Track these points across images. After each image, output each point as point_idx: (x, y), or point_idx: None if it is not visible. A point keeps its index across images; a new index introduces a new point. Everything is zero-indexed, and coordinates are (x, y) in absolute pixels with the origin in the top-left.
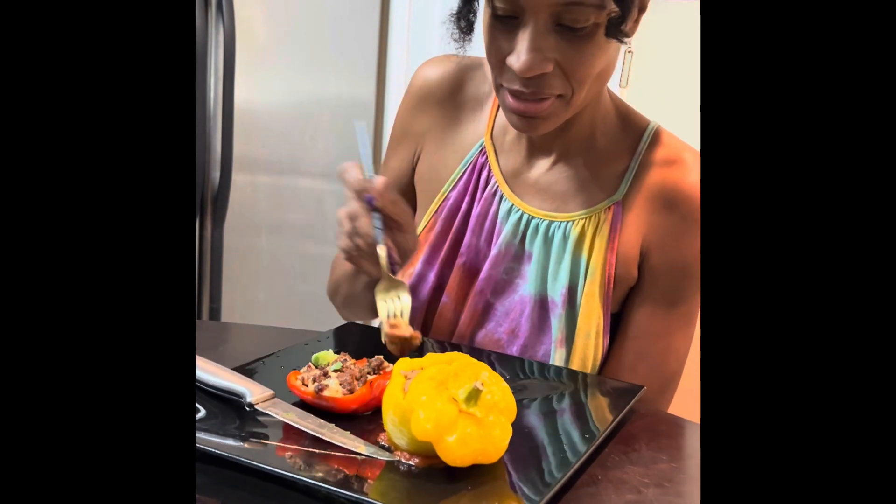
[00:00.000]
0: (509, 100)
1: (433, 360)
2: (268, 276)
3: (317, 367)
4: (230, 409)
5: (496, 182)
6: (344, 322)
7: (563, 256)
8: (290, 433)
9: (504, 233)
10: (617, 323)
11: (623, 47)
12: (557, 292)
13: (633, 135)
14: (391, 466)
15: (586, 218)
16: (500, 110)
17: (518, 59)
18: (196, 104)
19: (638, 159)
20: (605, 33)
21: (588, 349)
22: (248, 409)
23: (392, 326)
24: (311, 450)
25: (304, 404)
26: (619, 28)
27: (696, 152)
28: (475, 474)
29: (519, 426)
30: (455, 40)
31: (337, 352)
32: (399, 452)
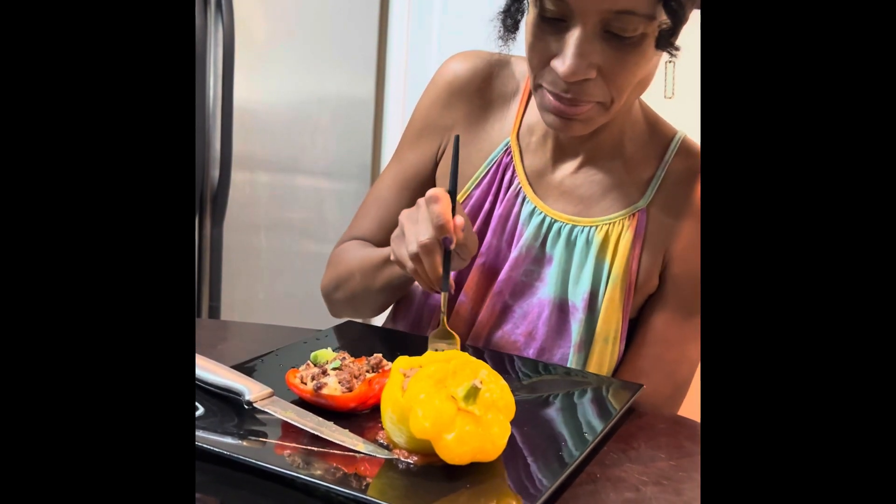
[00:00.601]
0: (549, 98)
1: (432, 359)
2: (267, 275)
3: (315, 366)
4: (229, 407)
5: (519, 183)
6: (343, 320)
7: (585, 261)
8: (289, 431)
9: (525, 235)
10: (632, 329)
11: (664, 57)
12: (579, 297)
13: (661, 143)
14: (390, 464)
15: (610, 223)
16: (528, 110)
17: (563, 63)
18: (195, 103)
19: (665, 167)
20: (655, 45)
21: (605, 354)
22: (246, 407)
23: None
24: (309, 448)
25: (302, 402)
26: (669, 40)
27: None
28: (474, 472)
29: (518, 424)
30: (500, 38)
31: (336, 350)
32: (398, 450)
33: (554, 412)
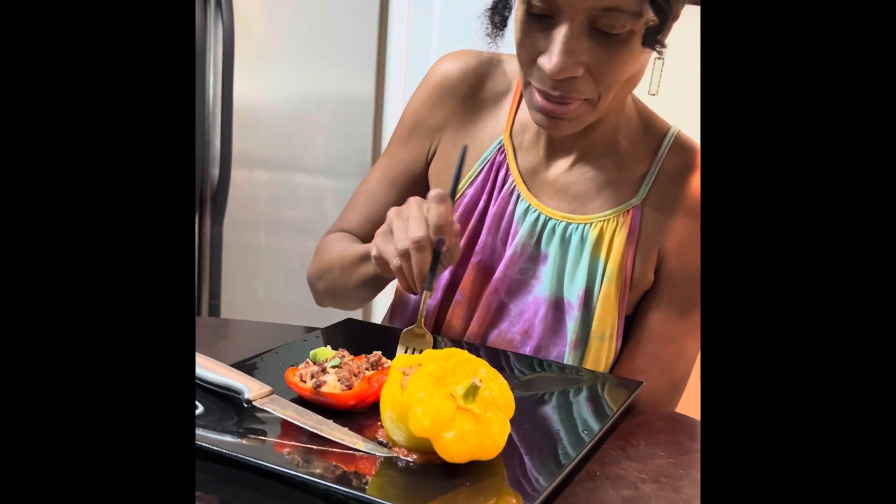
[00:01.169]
0: (536, 98)
1: (431, 357)
2: (267, 273)
3: (315, 364)
4: (228, 405)
5: (513, 181)
6: (342, 318)
7: (580, 258)
8: (289, 429)
9: (520, 233)
10: (628, 326)
11: (653, 54)
12: (574, 294)
13: (655, 139)
14: (389, 462)
15: (605, 220)
16: (520, 108)
17: (550, 60)
18: (195, 101)
19: (658, 164)
20: (642, 42)
21: (601, 352)
22: (246, 405)
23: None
24: (309, 446)
25: (302, 400)
26: (655, 37)
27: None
28: (473, 470)
29: (517, 422)
30: (488, 35)
31: (335, 348)
32: (397, 448)
33: (553, 410)
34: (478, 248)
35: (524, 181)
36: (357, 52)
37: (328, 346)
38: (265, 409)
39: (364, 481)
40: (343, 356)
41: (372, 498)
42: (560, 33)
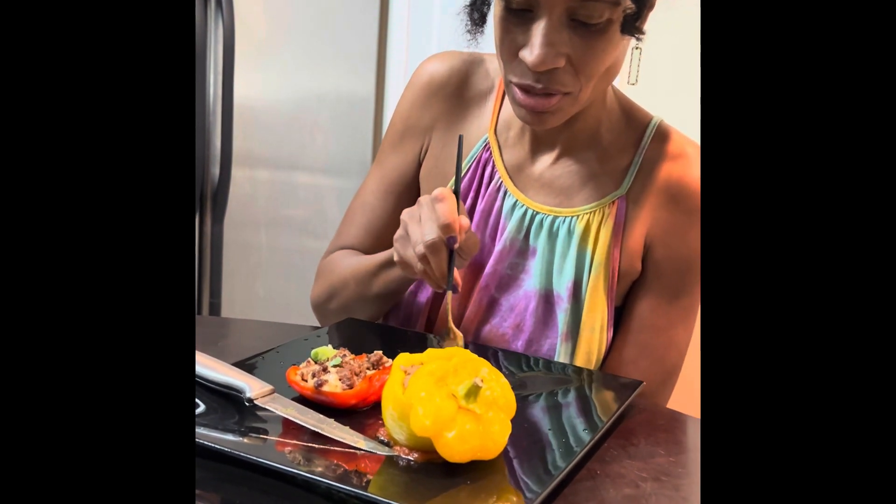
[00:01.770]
0: (518, 94)
1: (433, 356)
2: (267, 272)
3: (316, 363)
4: (230, 404)
5: (500, 177)
6: (343, 317)
7: (567, 251)
8: (290, 428)
9: (508, 228)
10: (619, 316)
11: (630, 44)
12: (563, 287)
13: (637, 130)
14: (390, 461)
15: (591, 212)
16: (504, 106)
17: (531, 52)
18: (195, 100)
19: (642, 154)
20: (620, 30)
21: (593, 343)
22: (247, 404)
23: None
24: (310, 445)
25: (303, 399)
26: (634, 24)
27: (700, 147)
28: (474, 469)
29: (518, 422)
30: (468, 31)
31: (336, 347)
32: (398, 447)
33: (553, 409)
34: None
35: (510, 177)
36: (357, 51)
37: (329, 346)
38: (266, 407)
39: (365, 480)
40: (344, 355)
41: (373, 496)
42: (540, 26)
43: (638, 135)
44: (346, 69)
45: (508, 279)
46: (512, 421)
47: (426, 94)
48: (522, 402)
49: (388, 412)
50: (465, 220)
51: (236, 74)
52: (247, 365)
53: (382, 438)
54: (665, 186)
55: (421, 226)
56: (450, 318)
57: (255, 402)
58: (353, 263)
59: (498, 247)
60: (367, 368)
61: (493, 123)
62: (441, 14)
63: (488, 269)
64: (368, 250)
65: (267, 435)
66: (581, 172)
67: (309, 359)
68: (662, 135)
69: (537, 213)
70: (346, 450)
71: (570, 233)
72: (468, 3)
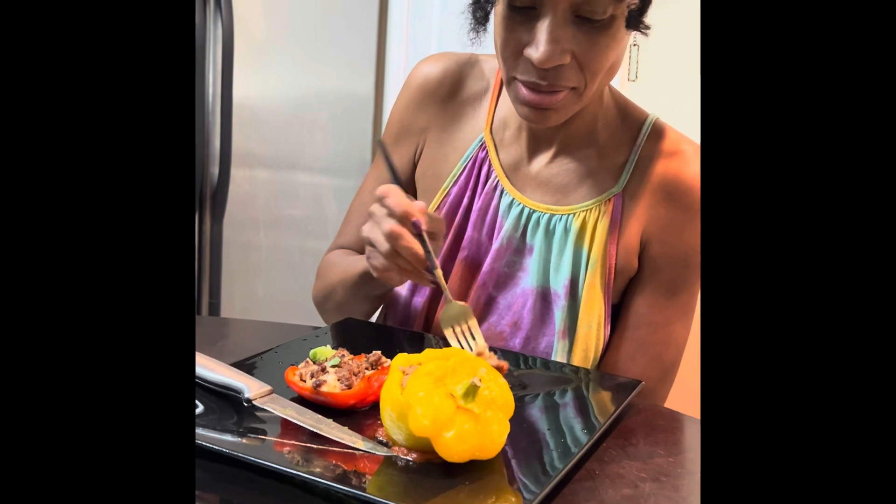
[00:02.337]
0: (523, 91)
1: (431, 356)
2: (267, 272)
3: (315, 363)
4: (228, 404)
5: (496, 176)
6: (342, 317)
7: (564, 249)
8: (288, 429)
9: (505, 227)
10: (616, 314)
11: (629, 41)
12: (560, 284)
13: (633, 127)
14: (389, 462)
15: (587, 210)
16: (499, 105)
17: (537, 49)
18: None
19: (637, 151)
20: (626, 25)
21: (590, 340)
22: (246, 404)
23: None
24: (309, 445)
25: (302, 400)
26: (639, 19)
27: (695, 144)
28: (473, 469)
29: (516, 421)
30: (471, 30)
31: (335, 347)
32: (397, 448)
33: (552, 409)
34: (464, 243)
35: (507, 176)
36: (357, 50)
37: (328, 346)
38: (265, 408)
39: (364, 480)
40: (343, 355)
41: (372, 497)
42: (545, 23)
43: (633, 132)
44: (345, 68)
45: (506, 277)
46: (511, 421)
47: (420, 97)
48: (521, 402)
49: (387, 412)
50: (419, 203)
51: (235, 74)
52: (245, 365)
53: (381, 439)
54: (661, 183)
55: (379, 227)
56: (447, 294)
57: (254, 402)
58: (342, 268)
59: (495, 245)
60: (366, 369)
61: (489, 123)
62: (441, 13)
63: (485, 267)
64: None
65: (265, 435)
66: (577, 170)
67: (307, 359)
68: (658, 132)
69: (534, 211)
70: (345, 450)
71: (566, 230)
72: (472, 2)
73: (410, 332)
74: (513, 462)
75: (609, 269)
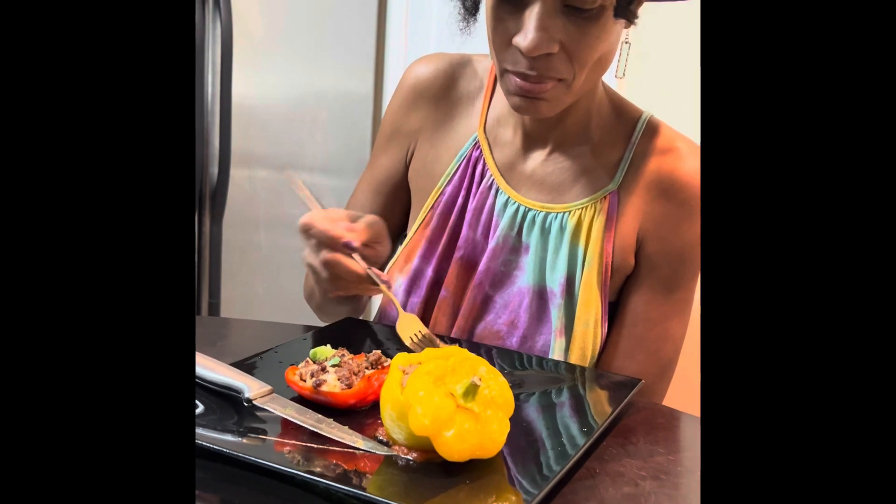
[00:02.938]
0: (513, 81)
1: (431, 355)
2: (266, 272)
3: (315, 363)
4: (228, 404)
5: (491, 175)
6: (342, 318)
7: (560, 247)
8: (289, 428)
9: (501, 225)
10: (614, 312)
11: (621, 38)
12: (556, 282)
13: (627, 125)
14: (389, 461)
15: (583, 208)
16: (493, 104)
17: (525, 37)
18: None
19: (632, 149)
20: (614, 13)
21: (587, 338)
22: (246, 404)
23: None
24: (309, 445)
25: (302, 399)
26: (628, 8)
27: (690, 141)
28: (473, 468)
29: (517, 420)
30: (461, 19)
31: (335, 347)
32: (397, 447)
33: (552, 408)
34: (460, 243)
35: (502, 174)
36: (356, 50)
37: (328, 345)
38: (265, 408)
39: (364, 480)
40: (343, 355)
41: (372, 496)
42: (533, 12)
43: (628, 130)
44: (344, 68)
45: (502, 276)
46: (510, 420)
47: (412, 97)
48: (521, 401)
49: (387, 412)
50: (344, 216)
51: (234, 74)
52: (245, 365)
53: (381, 438)
54: (656, 180)
55: (315, 257)
56: (399, 308)
57: (254, 402)
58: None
59: (491, 244)
60: (366, 368)
61: (483, 122)
62: (439, 12)
63: (482, 266)
64: None
65: (266, 435)
66: (572, 168)
67: (308, 359)
68: (652, 129)
69: (529, 209)
70: (345, 450)
71: (562, 228)
72: None
73: None
74: (513, 461)
75: (605, 267)
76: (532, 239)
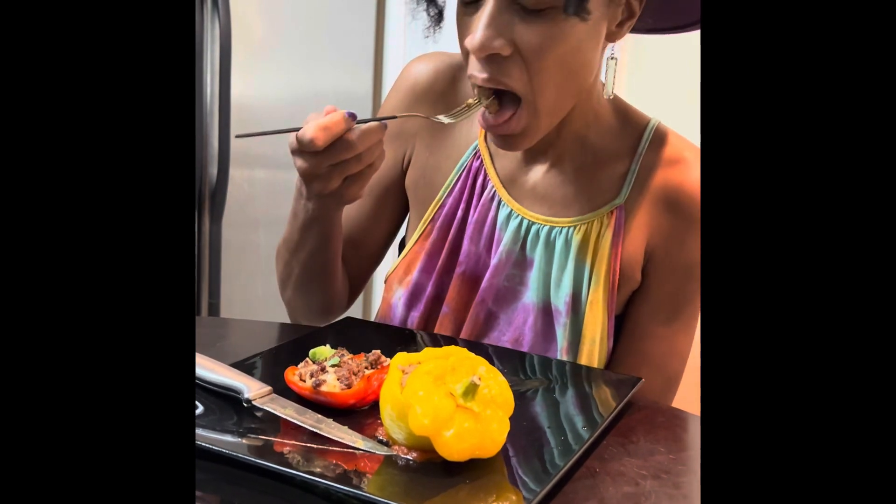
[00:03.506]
0: (481, 118)
1: (430, 355)
2: (266, 272)
3: (314, 363)
4: (228, 405)
5: (493, 187)
6: (342, 317)
7: (565, 263)
8: (288, 429)
9: (504, 239)
10: (619, 324)
11: (606, 54)
12: (561, 301)
13: (633, 134)
14: (389, 461)
15: (588, 223)
16: None
17: (473, 37)
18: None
19: (639, 161)
20: (563, 9)
21: (593, 354)
22: (246, 405)
23: None
24: (308, 445)
25: (301, 400)
26: (579, 3)
27: (699, 150)
28: (473, 468)
29: (516, 420)
30: (426, 27)
31: (334, 347)
32: (397, 447)
33: (552, 407)
34: (461, 257)
35: (504, 186)
36: (354, 49)
37: (327, 345)
38: (265, 408)
39: (364, 480)
40: (342, 355)
41: (372, 496)
42: (483, 10)
43: (634, 140)
44: (343, 68)
45: (506, 292)
46: (510, 419)
47: (410, 99)
48: (520, 400)
49: (387, 412)
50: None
51: (233, 74)
52: (245, 365)
53: (381, 438)
54: (663, 193)
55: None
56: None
57: (254, 402)
58: (284, 241)
59: (494, 260)
60: (366, 368)
61: (484, 130)
62: None
63: (485, 283)
64: (346, 250)
65: (265, 435)
66: (576, 181)
67: (307, 359)
68: (660, 139)
69: (533, 223)
70: (345, 450)
71: (567, 243)
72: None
73: (409, 332)
74: (513, 460)
75: (612, 284)
76: (536, 254)
